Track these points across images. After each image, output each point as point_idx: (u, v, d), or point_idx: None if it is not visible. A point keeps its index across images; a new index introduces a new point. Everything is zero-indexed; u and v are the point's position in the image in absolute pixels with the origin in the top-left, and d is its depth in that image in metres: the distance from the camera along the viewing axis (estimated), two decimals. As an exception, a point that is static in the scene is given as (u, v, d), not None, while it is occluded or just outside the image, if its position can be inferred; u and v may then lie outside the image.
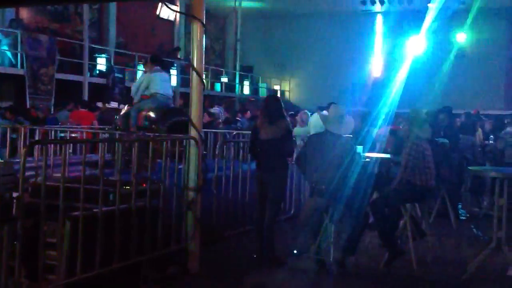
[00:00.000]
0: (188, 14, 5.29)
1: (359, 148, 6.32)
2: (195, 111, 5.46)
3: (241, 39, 21.31)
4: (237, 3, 20.27)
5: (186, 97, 15.50)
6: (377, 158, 7.11)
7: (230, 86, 21.20)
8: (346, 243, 5.58)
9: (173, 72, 17.90)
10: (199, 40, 5.41)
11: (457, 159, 8.30)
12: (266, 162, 5.75)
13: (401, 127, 8.85)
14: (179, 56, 18.80)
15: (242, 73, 21.89)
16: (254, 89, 22.81)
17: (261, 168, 5.80)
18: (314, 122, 9.33)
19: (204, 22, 5.38)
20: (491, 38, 20.73)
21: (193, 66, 5.37)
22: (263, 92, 22.69)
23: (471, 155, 8.61)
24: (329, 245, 5.65)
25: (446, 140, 7.67)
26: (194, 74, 5.41)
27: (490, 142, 9.40)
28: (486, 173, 5.89)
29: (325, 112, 8.78)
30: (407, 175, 5.65)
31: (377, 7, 19.94)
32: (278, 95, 23.28)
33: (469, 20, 19.85)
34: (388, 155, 7.33)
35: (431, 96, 18.92)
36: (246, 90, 22.38)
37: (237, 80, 21.43)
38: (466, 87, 20.09)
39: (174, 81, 17.86)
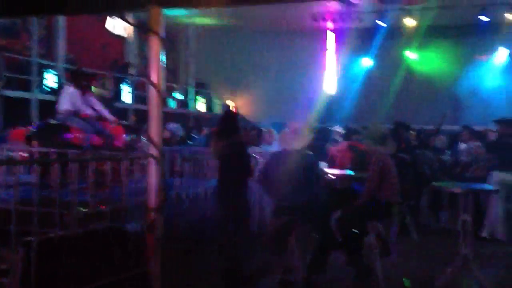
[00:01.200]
0: (145, 28, 5.12)
1: (322, 164, 6.25)
2: (154, 128, 5.25)
3: (195, 55, 21.15)
4: (190, 20, 20.15)
5: (139, 114, 15.23)
6: (340, 174, 7.06)
7: (184, 103, 20.97)
8: (313, 262, 5.47)
9: (126, 88, 17.55)
10: (156, 55, 5.22)
11: (415, 174, 8.34)
12: (225, 179, 5.60)
13: (360, 142, 8.89)
14: (130, 72, 18.50)
15: (196, 89, 21.70)
16: (209, 106, 22.64)
17: (221, 185, 5.65)
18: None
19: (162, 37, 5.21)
20: (438, 56, 21.26)
21: (151, 81, 5.17)
22: (217, 109, 22.53)
23: (428, 170, 8.66)
24: (295, 264, 5.53)
25: (405, 155, 7.70)
26: (153, 90, 5.20)
27: (448, 157, 9.52)
28: (451, 188, 5.88)
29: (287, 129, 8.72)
30: (372, 191, 5.59)
31: (329, 24, 20.18)
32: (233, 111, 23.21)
33: (418, 38, 20.34)
34: (349, 171, 7.30)
35: (383, 112, 19.22)
36: (201, 107, 22.17)
37: (191, 97, 21.22)
38: (417, 103, 20.49)
39: (127, 97, 17.52)
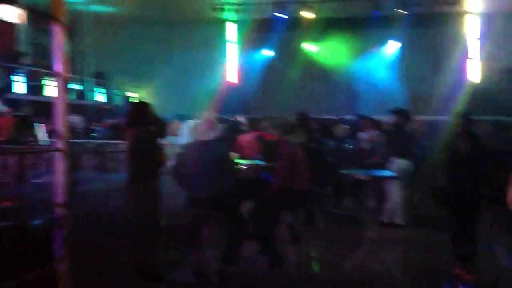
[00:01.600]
0: (48, 14, 4.84)
1: (234, 155, 6.26)
2: (60, 120, 5.00)
3: (93, 44, 20.40)
4: (86, 7, 19.38)
5: (34, 105, 14.45)
6: (250, 164, 7.11)
7: (83, 94, 20.15)
8: (226, 253, 5.48)
9: (19, 78, 16.60)
10: (60, 44, 4.96)
11: (320, 163, 8.56)
12: (136, 172, 5.46)
13: (267, 133, 9.01)
14: (22, 62, 17.50)
15: (95, 79, 20.94)
16: (109, 97, 21.93)
17: (132, 179, 5.50)
18: (188, 130, 9.16)
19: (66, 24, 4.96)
20: (335, 48, 21.94)
21: (56, 71, 4.91)
22: (118, 100, 21.88)
23: (332, 158, 8.93)
24: (209, 255, 5.52)
25: (312, 145, 7.88)
26: (57, 80, 4.95)
27: (348, 146, 9.86)
28: (358, 175, 6.11)
29: (196, 120, 8.65)
30: (283, 181, 5.67)
31: (229, 15, 20.23)
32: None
33: (315, 31, 20.89)
34: (258, 161, 7.36)
35: (285, 102, 19.60)
36: (100, 98, 21.44)
37: (89, 87, 20.45)
38: (316, 94, 21.08)
39: (21, 88, 16.58)
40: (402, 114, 8.90)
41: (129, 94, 22.45)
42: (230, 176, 5.40)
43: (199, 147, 5.44)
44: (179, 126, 9.00)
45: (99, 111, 19.51)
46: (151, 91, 21.84)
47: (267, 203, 5.71)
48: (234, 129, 8.51)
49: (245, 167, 7.03)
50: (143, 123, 5.53)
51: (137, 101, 5.87)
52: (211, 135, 5.43)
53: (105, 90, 21.55)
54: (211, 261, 5.46)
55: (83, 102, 19.63)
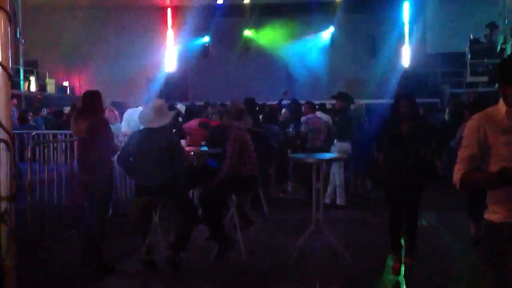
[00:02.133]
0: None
1: (182, 142, 6.24)
2: (3, 111, 4.82)
3: (23, 32, 19.67)
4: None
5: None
6: (196, 150, 7.10)
7: (14, 83, 19.38)
8: (177, 240, 5.48)
9: None
10: (3, 32, 4.78)
11: (265, 148, 8.65)
12: (86, 162, 5.36)
13: (210, 119, 9.01)
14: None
15: (27, 68, 20.22)
16: (41, 85, 21.24)
17: (82, 169, 5.41)
18: (128, 117, 9.02)
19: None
20: (274, 34, 22.09)
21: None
22: (51, 88, 21.25)
23: (276, 143, 9.04)
24: (159, 244, 5.50)
25: (258, 129, 7.95)
26: (1, 70, 4.78)
27: (291, 129, 10.00)
28: (305, 159, 6.23)
29: (140, 108, 8.55)
30: (232, 166, 5.71)
31: (168, 1, 20.00)
32: (68, 91, 22.08)
33: (254, 17, 20.98)
34: (203, 148, 7.36)
35: (224, 88, 19.59)
36: (32, 87, 20.74)
37: (21, 76, 19.73)
38: (256, 79, 21.14)
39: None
40: (343, 98, 9.11)
41: (62, 82, 21.88)
42: (179, 163, 5.39)
43: (147, 135, 5.39)
44: (116, 113, 8.84)
45: (31, 100, 18.89)
46: (85, 79, 21.35)
47: (215, 189, 5.74)
48: (178, 116, 8.46)
49: (191, 154, 7.02)
50: (96, 113, 5.44)
51: (89, 90, 5.69)
52: (160, 122, 5.39)
53: (37, 78, 20.88)
54: (160, 248, 5.44)
55: (14, 91, 18.97)
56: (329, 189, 8.92)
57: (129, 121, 8.91)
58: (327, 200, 8.77)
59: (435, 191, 7.40)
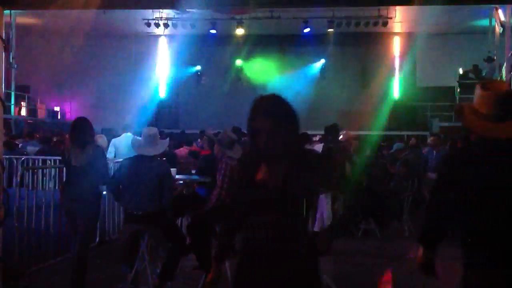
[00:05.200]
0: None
1: (172, 171, 6.25)
2: (-6, 137, 4.86)
3: (16, 56, 19.69)
4: (9, 18, 18.70)
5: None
6: (185, 179, 7.11)
7: (4, 107, 19.29)
8: (164, 269, 5.45)
9: None
10: (-1, 59, 4.84)
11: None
12: (76, 191, 5.34)
13: (201, 148, 9.05)
14: None
15: (18, 93, 20.18)
16: (32, 110, 21.20)
17: (70, 197, 5.37)
18: (117, 144, 9.03)
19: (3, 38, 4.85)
20: (265, 64, 22.30)
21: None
22: (42, 114, 21.21)
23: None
24: (146, 272, 5.46)
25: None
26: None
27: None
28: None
29: (129, 134, 8.57)
30: (221, 196, 5.72)
31: (162, 30, 20.13)
32: (59, 116, 22.04)
33: (246, 46, 21.17)
34: (194, 176, 7.38)
35: (215, 117, 19.67)
36: (23, 112, 20.69)
37: (12, 101, 19.69)
38: (245, 109, 21.19)
39: None
40: (333, 129, 9.19)
41: (53, 107, 21.86)
42: (168, 192, 5.39)
43: (139, 163, 5.40)
44: (104, 140, 8.86)
45: (21, 125, 18.83)
46: (77, 105, 21.36)
47: (204, 218, 5.74)
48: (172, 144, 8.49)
49: (181, 182, 7.03)
50: (90, 140, 5.46)
51: (80, 117, 5.69)
52: (154, 151, 5.42)
53: (28, 103, 20.85)
54: (147, 277, 5.40)
55: (4, 116, 18.90)
56: (317, 218, 8.92)
57: (118, 147, 8.93)
58: (316, 228, 8.75)
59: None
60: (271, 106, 2.64)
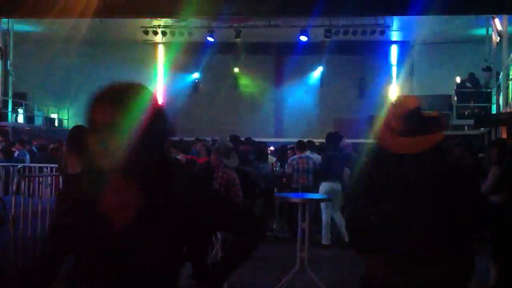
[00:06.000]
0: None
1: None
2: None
3: (14, 63, 19.68)
4: (6, 25, 18.69)
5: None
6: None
7: (1, 114, 19.30)
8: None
9: None
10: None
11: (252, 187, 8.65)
12: (73, 199, 5.31)
13: (196, 156, 9.03)
14: None
15: (15, 100, 20.15)
16: (29, 117, 21.18)
17: (66, 206, 5.35)
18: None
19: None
20: (260, 71, 22.34)
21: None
22: (39, 121, 21.18)
23: (263, 182, 8.98)
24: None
25: (248, 168, 7.99)
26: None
27: (277, 168, 10.02)
28: (289, 199, 6.26)
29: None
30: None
31: (160, 37, 20.17)
32: (56, 123, 22.03)
33: (243, 54, 21.23)
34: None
35: (212, 125, 19.70)
36: (20, 119, 20.67)
37: (9, 108, 19.66)
38: (245, 116, 21.29)
39: None
40: (334, 137, 9.20)
41: (51, 115, 21.84)
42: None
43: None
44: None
45: (18, 132, 18.81)
46: (75, 112, 21.36)
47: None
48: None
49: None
50: (84, 147, 5.43)
51: (78, 125, 5.64)
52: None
53: (26, 110, 20.83)
54: None
55: (1, 123, 18.86)
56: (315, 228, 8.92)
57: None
58: (325, 241, 8.75)
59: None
60: (122, 93, 1.73)
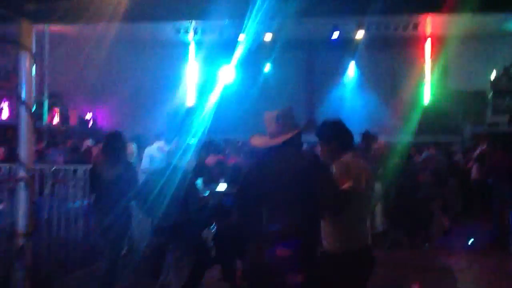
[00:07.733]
0: (16, 42, 4.80)
1: (198, 181, 6.27)
2: (25, 150, 4.95)
3: (49, 64, 20.02)
4: (43, 26, 19.01)
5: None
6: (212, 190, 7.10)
7: (37, 115, 19.68)
8: (189, 280, 5.46)
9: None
10: (28, 72, 4.95)
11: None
12: (108, 204, 5.39)
13: (228, 156, 9.04)
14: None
15: (51, 100, 20.46)
16: (64, 118, 21.48)
17: (102, 210, 5.43)
18: (150, 154, 9.09)
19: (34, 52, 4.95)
20: (292, 69, 22.22)
21: (22, 100, 4.88)
22: (73, 121, 21.49)
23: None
24: (171, 283, 5.48)
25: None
26: (23, 109, 4.92)
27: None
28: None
29: (161, 143, 8.61)
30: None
31: (190, 36, 20.26)
32: (91, 123, 22.33)
33: (274, 52, 21.14)
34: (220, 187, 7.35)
35: (244, 125, 19.68)
36: (55, 119, 20.98)
37: (45, 109, 19.98)
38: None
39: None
40: (369, 137, 9.11)
41: (85, 114, 22.13)
42: (193, 204, 5.40)
43: (165, 173, 5.42)
44: (132, 148, 8.95)
45: (54, 133, 19.11)
46: (109, 111, 21.63)
47: (230, 229, 5.73)
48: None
49: (208, 193, 7.03)
50: (116, 154, 5.52)
51: (114, 130, 5.76)
52: (185, 159, 5.45)
53: (61, 111, 21.11)
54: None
55: (37, 124, 19.19)
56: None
57: (151, 158, 9.02)
58: None
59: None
60: None
